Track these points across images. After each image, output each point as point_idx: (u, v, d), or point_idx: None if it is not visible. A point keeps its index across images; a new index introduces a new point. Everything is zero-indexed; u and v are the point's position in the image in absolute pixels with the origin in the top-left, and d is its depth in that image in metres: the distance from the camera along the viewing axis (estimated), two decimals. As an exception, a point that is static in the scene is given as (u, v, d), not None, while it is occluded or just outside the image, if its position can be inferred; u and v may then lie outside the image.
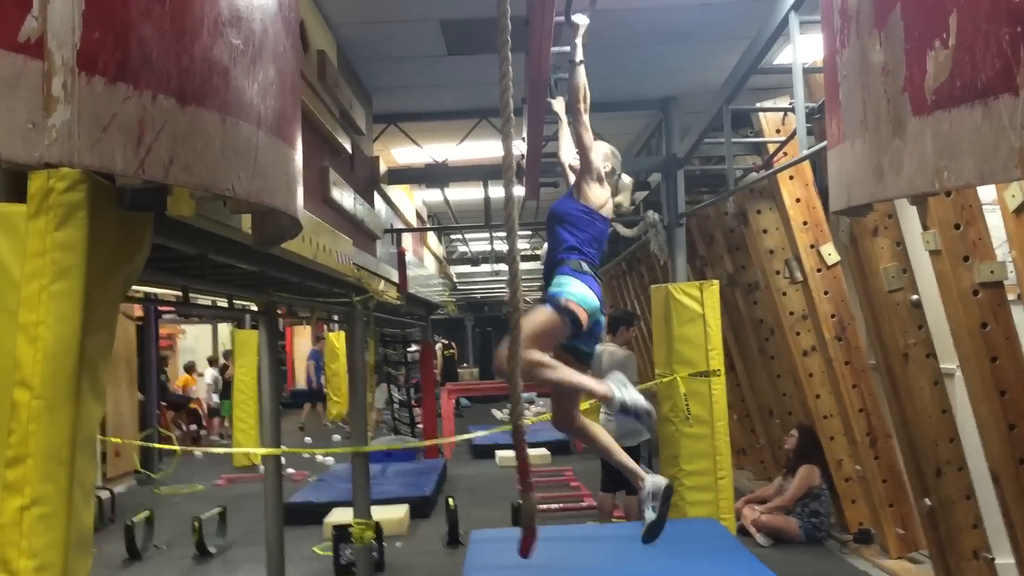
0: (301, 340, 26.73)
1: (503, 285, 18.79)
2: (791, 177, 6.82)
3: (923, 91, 2.01)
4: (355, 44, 5.50)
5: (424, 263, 10.78)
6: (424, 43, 5.61)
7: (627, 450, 7.08)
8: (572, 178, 4.36)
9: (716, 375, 6.80)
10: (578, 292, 3.80)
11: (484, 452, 13.39)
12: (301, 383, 25.70)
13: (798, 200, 6.87)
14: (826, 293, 6.83)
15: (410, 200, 8.83)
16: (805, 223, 6.87)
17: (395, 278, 7.44)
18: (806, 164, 6.40)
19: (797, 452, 7.69)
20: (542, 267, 4.24)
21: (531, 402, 16.78)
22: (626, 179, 4.42)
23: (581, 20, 4.06)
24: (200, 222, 2.84)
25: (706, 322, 6.79)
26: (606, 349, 7.43)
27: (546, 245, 4.21)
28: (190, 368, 17.77)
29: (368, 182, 6.18)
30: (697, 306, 6.78)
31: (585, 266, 3.93)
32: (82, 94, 1.51)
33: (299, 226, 2.36)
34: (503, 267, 18.52)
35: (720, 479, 6.83)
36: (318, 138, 4.56)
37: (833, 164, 2.56)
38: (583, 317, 3.80)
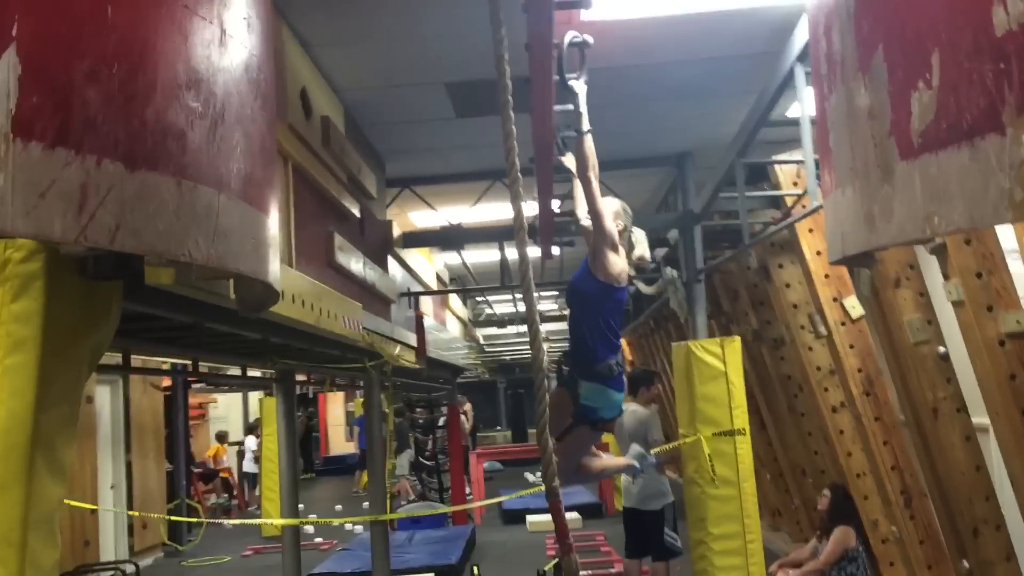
0: (334, 406, 26.73)
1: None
2: (810, 230, 6.69)
3: (909, 134, 1.92)
4: (364, 109, 5.51)
5: (447, 326, 10.72)
6: (432, 106, 5.61)
7: (651, 513, 6.97)
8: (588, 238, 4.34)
9: (741, 434, 6.63)
10: (607, 404, 4.07)
11: (515, 517, 13.15)
12: (337, 450, 25.68)
13: (819, 253, 6.74)
14: (852, 347, 6.65)
15: (429, 263, 8.80)
16: (827, 276, 6.72)
17: (413, 342, 7.38)
18: (826, 216, 6.28)
19: (830, 513, 7.41)
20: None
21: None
22: (638, 232, 4.39)
23: (579, 88, 4.02)
24: (185, 290, 2.80)
25: (729, 379, 6.63)
26: (627, 409, 7.28)
27: (569, 318, 4.33)
28: (222, 437, 17.72)
29: (381, 246, 6.16)
30: (719, 363, 6.63)
31: (614, 365, 4.09)
32: (17, 160, 1.47)
33: (274, 292, 2.29)
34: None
35: (750, 542, 6.61)
36: (323, 203, 4.55)
37: (828, 213, 2.47)
38: (614, 425, 4.52)
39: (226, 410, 20.51)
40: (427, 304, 8.90)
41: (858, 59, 2.11)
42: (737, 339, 6.75)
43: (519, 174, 3.20)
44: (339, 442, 26.03)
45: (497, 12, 3.02)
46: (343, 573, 8.98)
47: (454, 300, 12.06)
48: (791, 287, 7.71)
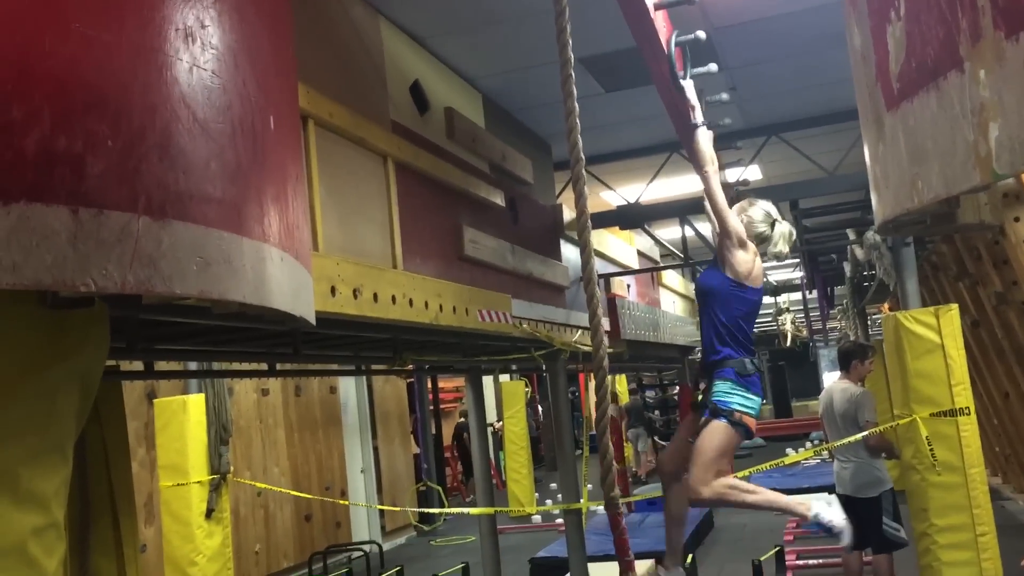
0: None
1: (776, 318, 17.82)
2: (1040, 176, 5.79)
3: (890, 78, 1.52)
4: (508, 93, 5.38)
5: (660, 305, 10.35)
6: (577, 84, 5.38)
7: (866, 501, 6.36)
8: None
9: (965, 415, 5.85)
10: (746, 402, 3.85)
11: (761, 497, 12.54)
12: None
13: (1052, 203, 5.82)
14: (1099, 311, 5.70)
15: (627, 243, 8.52)
16: (1063, 229, 5.79)
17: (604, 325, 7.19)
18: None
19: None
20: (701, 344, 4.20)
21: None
22: (783, 226, 4.18)
23: (688, 84, 4.09)
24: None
25: (946, 353, 5.86)
26: (837, 387, 6.68)
27: (699, 322, 4.19)
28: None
29: (548, 232, 6.00)
30: (934, 335, 5.88)
31: (749, 365, 3.91)
32: None
33: (258, 308, 2.21)
34: (781, 298, 17.56)
35: (981, 535, 5.83)
36: (447, 197, 4.46)
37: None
38: (754, 427, 3.91)
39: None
40: (631, 285, 8.64)
41: (847, -13, 1.71)
42: (954, 308, 5.94)
43: (581, 155, 2.98)
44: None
45: None
46: (565, 557, 8.95)
47: (672, 277, 11.65)
48: (1031, 243, 6.73)
